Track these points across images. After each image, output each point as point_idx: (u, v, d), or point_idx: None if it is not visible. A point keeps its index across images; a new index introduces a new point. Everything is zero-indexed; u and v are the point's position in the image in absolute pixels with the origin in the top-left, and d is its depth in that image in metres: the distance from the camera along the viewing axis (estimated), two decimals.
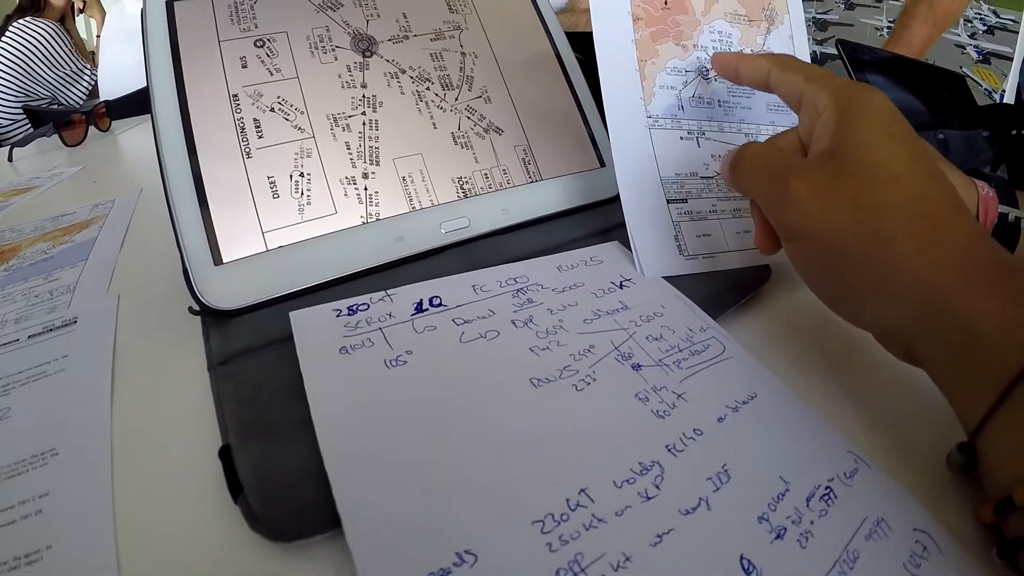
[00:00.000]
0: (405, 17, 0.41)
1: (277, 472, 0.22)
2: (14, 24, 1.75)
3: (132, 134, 0.93)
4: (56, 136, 0.88)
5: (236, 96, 0.34)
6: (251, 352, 0.29)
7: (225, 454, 0.24)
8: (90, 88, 1.84)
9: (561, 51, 0.46)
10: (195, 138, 0.33)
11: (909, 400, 0.28)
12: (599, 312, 0.30)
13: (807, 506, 0.22)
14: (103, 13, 1.97)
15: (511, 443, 0.22)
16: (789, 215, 0.26)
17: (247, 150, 0.33)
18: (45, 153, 0.89)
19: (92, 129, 0.91)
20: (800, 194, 0.26)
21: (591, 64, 0.46)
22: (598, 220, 0.40)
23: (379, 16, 0.40)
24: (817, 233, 0.25)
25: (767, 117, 0.39)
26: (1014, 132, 0.68)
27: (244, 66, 0.35)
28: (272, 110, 0.35)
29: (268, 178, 0.33)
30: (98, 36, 1.80)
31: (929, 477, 0.24)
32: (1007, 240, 0.41)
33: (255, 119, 0.34)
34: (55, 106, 1.77)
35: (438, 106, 0.39)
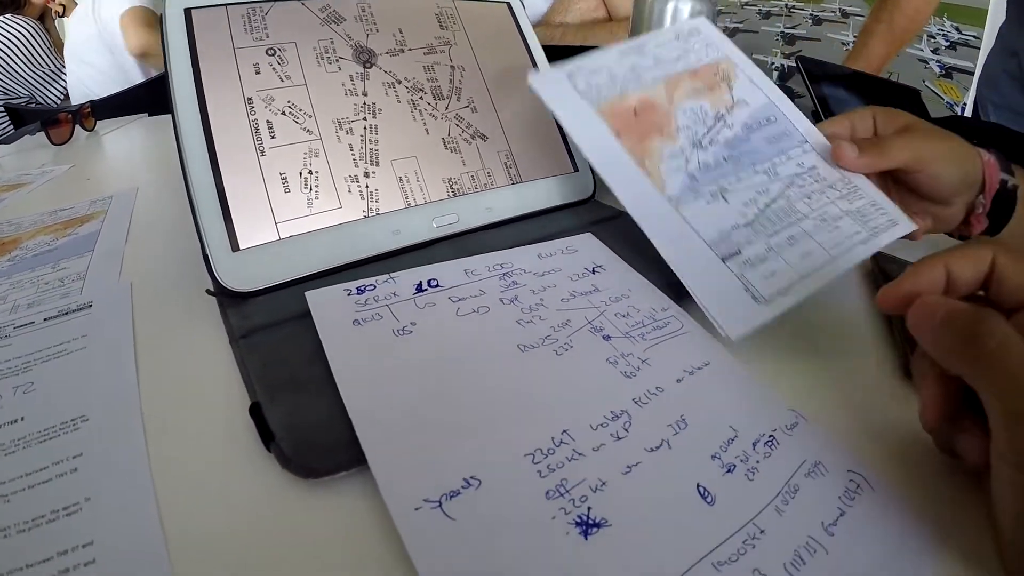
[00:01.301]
0: (401, 32, 0.45)
1: (305, 422, 0.26)
2: None
3: (117, 135, 0.94)
4: (38, 134, 0.89)
5: (251, 99, 0.38)
6: (270, 327, 0.32)
7: (255, 410, 0.27)
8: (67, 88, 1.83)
9: (539, 65, 0.50)
10: (214, 136, 0.36)
11: (841, 369, 0.32)
12: (574, 293, 0.34)
13: (753, 449, 0.26)
14: None
15: (503, 394, 0.27)
16: None
17: (261, 149, 0.37)
18: (27, 151, 0.89)
19: (77, 129, 0.92)
20: None
21: None
22: (573, 219, 0.45)
23: (378, 31, 0.44)
24: None
25: (771, 150, 0.41)
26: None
27: (257, 72, 0.39)
28: (283, 113, 0.38)
29: (280, 174, 0.37)
30: None
31: (863, 433, 0.28)
32: (1004, 207, 0.40)
33: (268, 121, 0.38)
34: (33, 105, 1.76)
35: (430, 114, 0.43)
